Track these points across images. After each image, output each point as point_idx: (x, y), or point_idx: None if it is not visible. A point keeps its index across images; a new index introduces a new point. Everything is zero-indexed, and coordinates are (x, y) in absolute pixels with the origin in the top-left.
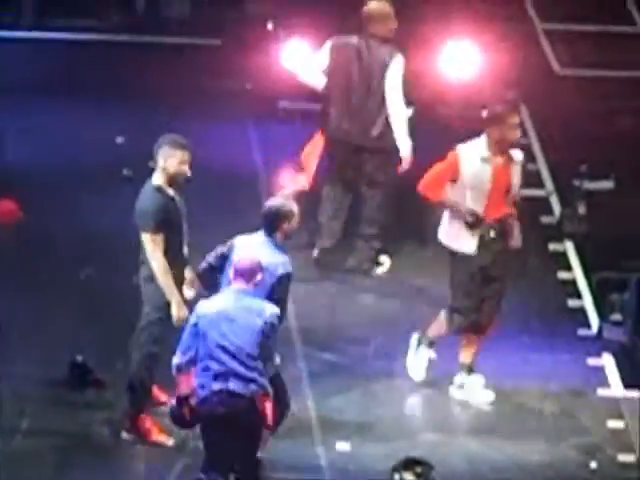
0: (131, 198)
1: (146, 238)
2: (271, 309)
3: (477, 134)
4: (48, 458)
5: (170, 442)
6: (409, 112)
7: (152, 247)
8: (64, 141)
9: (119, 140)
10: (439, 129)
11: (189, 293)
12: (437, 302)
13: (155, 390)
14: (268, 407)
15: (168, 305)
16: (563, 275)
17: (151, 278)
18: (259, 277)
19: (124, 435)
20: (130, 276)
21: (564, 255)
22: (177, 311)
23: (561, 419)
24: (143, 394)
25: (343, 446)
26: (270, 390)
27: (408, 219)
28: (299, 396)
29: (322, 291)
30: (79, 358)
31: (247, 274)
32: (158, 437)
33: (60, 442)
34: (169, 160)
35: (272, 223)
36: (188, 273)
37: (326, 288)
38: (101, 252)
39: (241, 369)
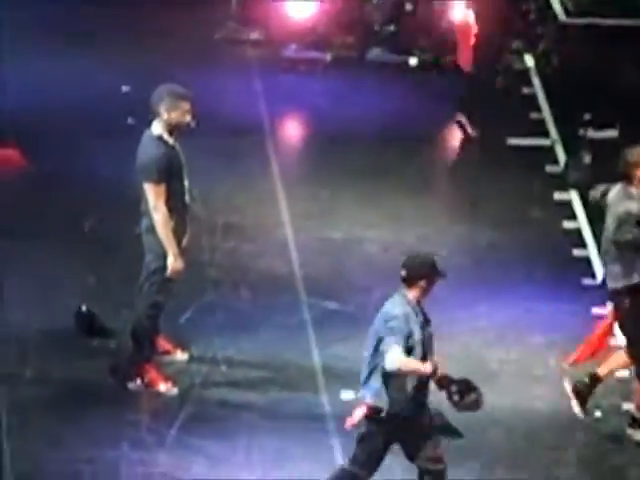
0: (136, 147)
1: (149, 188)
2: None
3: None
4: (53, 406)
5: (174, 391)
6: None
7: (155, 197)
8: (69, 89)
9: (124, 89)
10: (443, 78)
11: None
12: (438, 252)
13: (160, 339)
14: None
15: None
16: (568, 224)
17: (153, 228)
18: None
19: (129, 384)
20: (133, 226)
21: (569, 204)
22: (173, 263)
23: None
24: (147, 343)
25: (347, 394)
26: None
27: (411, 169)
28: (303, 344)
29: (326, 240)
30: (84, 307)
31: None
32: (162, 386)
33: (65, 390)
34: (172, 112)
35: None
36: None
37: (330, 236)
38: (105, 201)
39: None
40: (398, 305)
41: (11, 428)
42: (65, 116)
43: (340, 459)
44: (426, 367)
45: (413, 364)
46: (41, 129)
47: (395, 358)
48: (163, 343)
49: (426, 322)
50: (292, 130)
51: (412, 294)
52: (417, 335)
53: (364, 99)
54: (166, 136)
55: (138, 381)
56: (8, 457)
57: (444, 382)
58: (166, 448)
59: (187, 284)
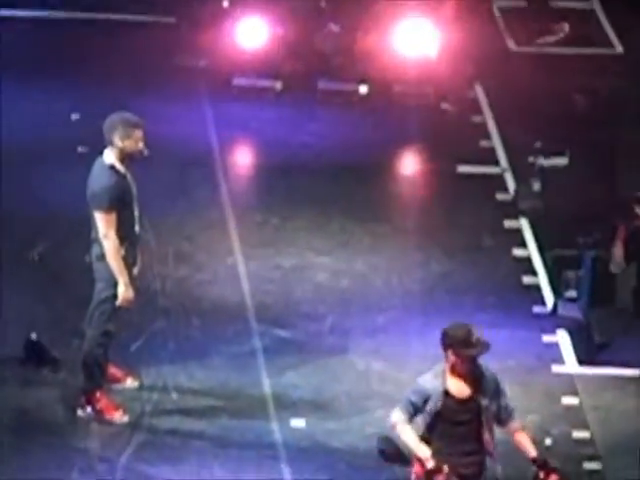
0: (85, 175)
1: (99, 217)
2: None
3: (431, 112)
4: (2, 436)
5: (125, 419)
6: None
7: (105, 226)
8: (18, 117)
9: (74, 117)
10: (394, 107)
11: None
12: (389, 280)
13: (110, 367)
14: None
15: None
16: (518, 252)
17: (103, 256)
18: None
19: (79, 412)
20: (83, 254)
21: (519, 232)
22: (124, 292)
23: (517, 395)
24: (98, 371)
25: (298, 422)
26: None
27: (361, 197)
28: (254, 372)
29: (276, 267)
30: (33, 336)
31: None
32: (113, 414)
33: (14, 420)
34: (126, 141)
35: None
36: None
37: (280, 264)
38: (54, 229)
39: None
40: (426, 376)
41: None
42: (14, 144)
43: None
44: (423, 452)
45: (408, 437)
46: None
47: (392, 416)
48: (114, 371)
49: (463, 401)
50: (242, 158)
51: (444, 366)
52: (431, 407)
53: (314, 127)
54: (118, 165)
55: (88, 409)
56: None
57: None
58: (117, 476)
59: (138, 312)
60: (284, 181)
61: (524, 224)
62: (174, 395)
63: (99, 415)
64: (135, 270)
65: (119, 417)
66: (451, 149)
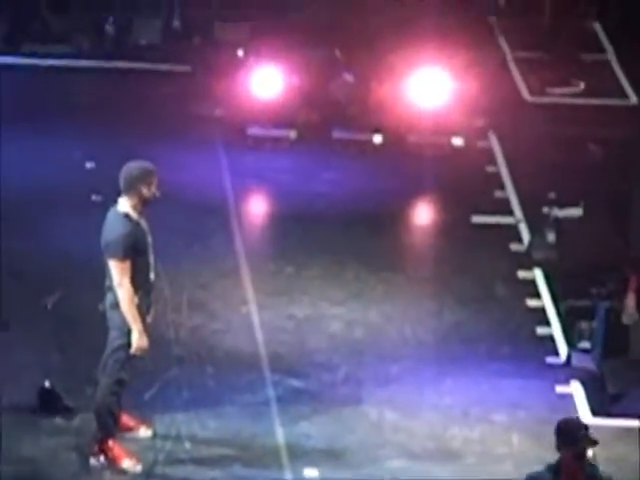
0: (99, 224)
1: (114, 265)
2: None
3: (446, 161)
4: None
5: (138, 468)
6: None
7: (120, 274)
8: (33, 166)
9: (89, 165)
10: (409, 157)
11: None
12: (403, 330)
13: (123, 415)
14: None
15: None
16: (532, 303)
17: (117, 304)
18: None
19: (92, 461)
20: (97, 302)
21: (533, 283)
22: (138, 340)
23: (529, 446)
24: (110, 420)
25: (311, 472)
26: None
27: (375, 246)
28: (267, 422)
29: (290, 316)
30: (47, 384)
31: None
32: (126, 463)
33: (27, 468)
34: (144, 188)
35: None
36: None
37: (294, 313)
38: (68, 278)
39: None
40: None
41: None
42: (29, 192)
43: None
44: None
45: None
46: (4, 206)
47: None
48: (127, 419)
49: None
50: (257, 207)
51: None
52: None
53: (329, 176)
54: (132, 213)
55: (102, 458)
56: None
57: None
58: None
59: (152, 360)
60: (298, 230)
61: (538, 275)
62: (187, 444)
63: (112, 464)
64: (149, 318)
65: (132, 466)
66: (465, 199)
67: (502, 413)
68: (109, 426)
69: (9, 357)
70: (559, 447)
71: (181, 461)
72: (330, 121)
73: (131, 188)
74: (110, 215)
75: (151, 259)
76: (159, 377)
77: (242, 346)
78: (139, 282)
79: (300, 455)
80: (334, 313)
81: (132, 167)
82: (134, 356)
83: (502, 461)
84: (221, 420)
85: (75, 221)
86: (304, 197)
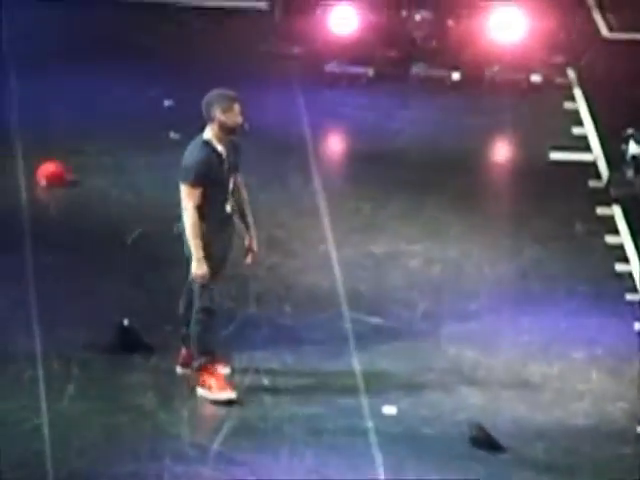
0: (178, 162)
1: (183, 189)
2: None
3: (524, 98)
4: (94, 422)
5: (233, 395)
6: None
7: (187, 199)
8: (112, 104)
9: (167, 103)
10: (487, 94)
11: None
12: (481, 267)
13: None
14: None
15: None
16: (611, 239)
17: None
18: None
19: (199, 391)
20: (175, 242)
21: (612, 219)
22: (197, 268)
23: (607, 383)
24: (203, 348)
25: (389, 409)
26: None
27: (453, 184)
28: (345, 359)
29: (369, 254)
30: (126, 322)
31: None
32: (221, 391)
33: (107, 406)
34: (227, 113)
35: None
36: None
37: (373, 251)
38: (148, 215)
39: None
40: None
41: (54, 443)
42: (108, 131)
43: (382, 474)
44: None
45: None
46: (85, 144)
47: None
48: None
49: None
50: (334, 145)
51: None
52: None
53: (407, 114)
54: (214, 141)
55: (203, 387)
56: (51, 474)
57: None
58: (208, 462)
59: (230, 298)
60: (376, 168)
61: (617, 211)
62: (266, 381)
63: (208, 391)
64: (228, 253)
65: (227, 394)
66: (544, 136)
67: (581, 350)
68: (198, 354)
69: (88, 295)
70: None
71: (260, 398)
72: (408, 58)
73: (209, 115)
74: (193, 142)
75: (229, 192)
76: (237, 314)
77: (320, 284)
78: (212, 212)
79: (378, 392)
80: (412, 250)
81: (210, 94)
82: (206, 285)
83: (581, 398)
84: (299, 357)
85: (154, 159)
86: (382, 135)
